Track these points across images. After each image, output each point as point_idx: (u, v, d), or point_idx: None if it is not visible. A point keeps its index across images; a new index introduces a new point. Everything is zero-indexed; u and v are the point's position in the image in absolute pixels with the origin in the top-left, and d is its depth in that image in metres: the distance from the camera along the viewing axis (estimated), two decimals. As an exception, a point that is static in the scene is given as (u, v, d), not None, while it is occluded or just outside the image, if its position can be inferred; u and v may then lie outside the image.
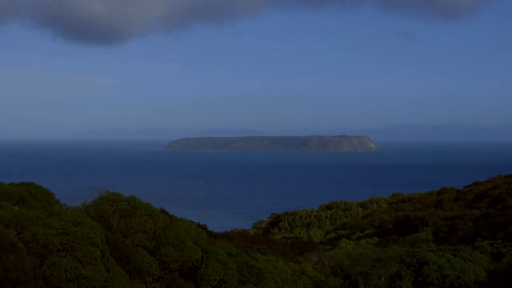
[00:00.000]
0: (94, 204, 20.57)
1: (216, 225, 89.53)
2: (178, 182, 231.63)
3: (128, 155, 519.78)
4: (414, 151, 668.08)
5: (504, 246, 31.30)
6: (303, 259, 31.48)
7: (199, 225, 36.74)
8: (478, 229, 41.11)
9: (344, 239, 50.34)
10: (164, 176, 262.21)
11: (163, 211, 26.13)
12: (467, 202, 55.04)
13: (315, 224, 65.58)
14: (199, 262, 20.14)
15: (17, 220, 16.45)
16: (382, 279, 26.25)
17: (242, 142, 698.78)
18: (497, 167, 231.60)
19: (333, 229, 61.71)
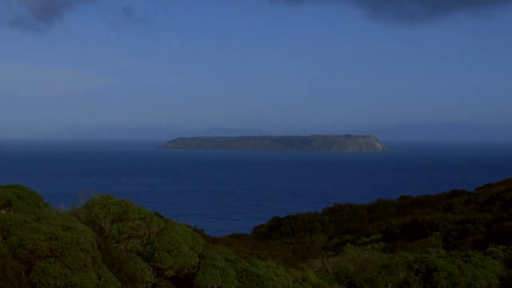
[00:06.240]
0: (84, 208, 20.57)
1: (214, 230, 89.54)
2: (174, 184, 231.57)
3: (121, 156, 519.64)
4: (422, 151, 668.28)
5: (518, 252, 31.32)
6: (306, 265, 31.49)
7: (195, 230, 36.73)
8: (490, 234, 41.10)
9: (349, 244, 50.31)
10: (159, 178, 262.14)
11: (158, 215, 26.13)
12: (478, 205, 55.02)
13: (319, 229, 65.56)
14: (196, 268, 20.14)
15: (3, 224, 16.45)
16: (389, 286, 26.26)
17: (241, 142, 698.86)
18: (510, 168, 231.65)
19: (337, 234, 61.67)
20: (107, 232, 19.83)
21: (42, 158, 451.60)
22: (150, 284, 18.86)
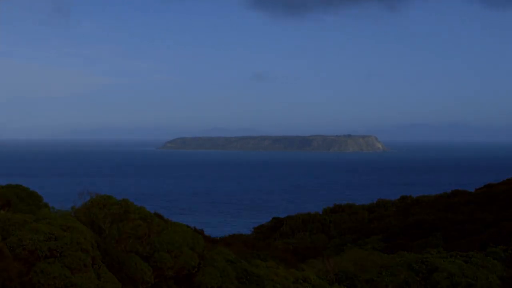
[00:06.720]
0: (84, 208, 20.55)
1: (214, 230, 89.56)
2: (173, 184, 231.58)
3: (121, 156, 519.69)
4: (423, 151, 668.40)
5: (519, 252, 31.30)
6: (306, 266, 31.47)
7: (195, 230, 36.74)
8: (490, 234, 41.11)
9: (349, 245, 50.29)
10: (158, 178, 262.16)
11: (158, 215, 26.13)
12: (479, 205, 55.00)
13: (319, 229, 65.53)
14: (196, 269, 20.14)
15: (2, 225, 16.45)
16: (390, 287, 26.26)
17: (241, 142, 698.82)
18: (511, 168, 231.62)
19: (337, 234, 61.65)
20: (107, 232, 19.81)
21: (42, 158, 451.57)
22: (150, 284, 18.85)
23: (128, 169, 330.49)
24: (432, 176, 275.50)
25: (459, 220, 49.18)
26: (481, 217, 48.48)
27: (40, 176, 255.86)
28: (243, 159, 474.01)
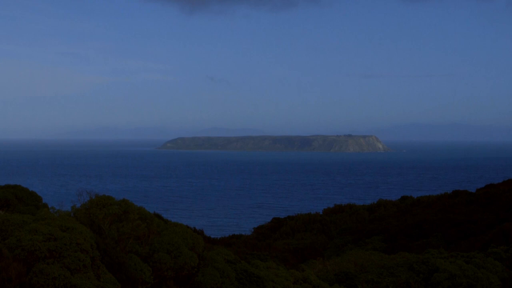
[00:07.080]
0: (83, 208, 20.50)
1: (214, 230, 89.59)
2: (173, 185, 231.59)
3: (120, 156, 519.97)
4: (423, 151, 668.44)
5: (520, 253, 31.24)
6: (306, 266, 31.44)
7: (195, 230, 36.77)
8: (492, 235, 41.07)
9: (349, 245, 50.28)
10: (158, 178, 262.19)
11: (157, 216, 26.13)
12: (480, 206, 55.00)
13: (319, 229, 65.53)
14: (196, 269, 20.10)
15: (1, 225, 16.41)
16: (390, 287, 26.21)
17: (241, 142, 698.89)
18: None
19: (338, 234, 61.65)
20: (106, 232, 19.76)
21: (41, 158, 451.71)
22: (150, 284, 18.81)
23: (128, 169, 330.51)
24: (432, 176, 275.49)
25: (459, 221, 49.15)
26: (482, 217, 48.46)
27: (40, 176, 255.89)
28: (243, 159, 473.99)
